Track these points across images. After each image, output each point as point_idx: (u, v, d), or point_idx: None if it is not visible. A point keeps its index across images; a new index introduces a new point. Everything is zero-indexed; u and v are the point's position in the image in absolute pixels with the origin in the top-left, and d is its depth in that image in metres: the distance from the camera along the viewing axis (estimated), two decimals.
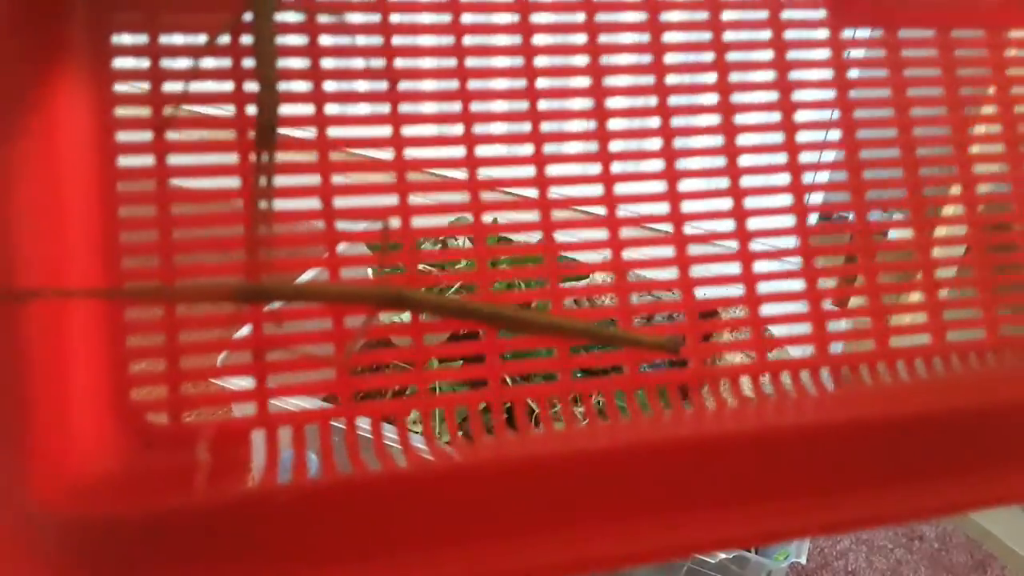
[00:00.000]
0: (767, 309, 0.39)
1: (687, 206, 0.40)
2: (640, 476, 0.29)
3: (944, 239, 0.43)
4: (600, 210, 0.39)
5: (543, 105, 0.40)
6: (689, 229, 0.40)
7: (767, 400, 0.37)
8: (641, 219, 0.40)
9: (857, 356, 0.39)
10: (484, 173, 0.39)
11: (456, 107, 0.39)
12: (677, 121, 0.40)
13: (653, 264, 0.41)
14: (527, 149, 0.39)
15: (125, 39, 0.36)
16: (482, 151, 0.38)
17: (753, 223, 0.40)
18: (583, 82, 0.40)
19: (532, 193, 0.39)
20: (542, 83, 0.40)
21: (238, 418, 0.34)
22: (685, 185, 0.40)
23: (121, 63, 0.36)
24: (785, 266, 0.40)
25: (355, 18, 0.38)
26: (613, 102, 0.40)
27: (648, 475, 0.29)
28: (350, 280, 0.36)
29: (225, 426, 0.34)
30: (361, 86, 0.40)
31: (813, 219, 0.41)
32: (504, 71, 0.40)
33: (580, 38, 0.40)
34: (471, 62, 0.39)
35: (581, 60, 0.41)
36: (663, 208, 0.40)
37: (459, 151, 0.39)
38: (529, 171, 0.39)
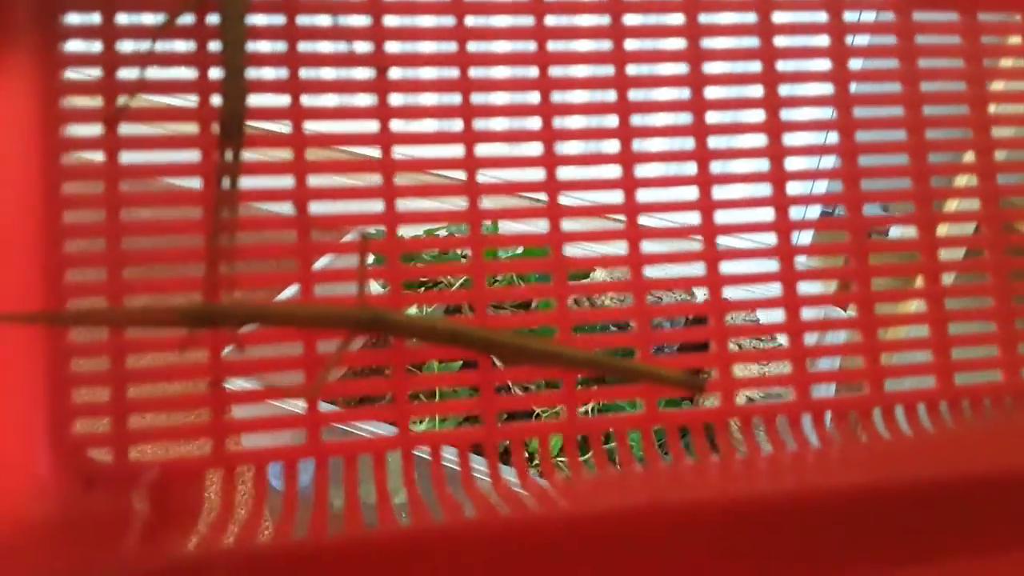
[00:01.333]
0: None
1: (721, 217, 0.34)
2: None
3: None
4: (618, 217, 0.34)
5: (555, 98, 0.34)
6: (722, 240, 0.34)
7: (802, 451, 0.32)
8: (665, 231, 0.34)
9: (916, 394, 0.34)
10: (482, 174, 0.34)
11: (455, 99, 0.34)
12: (713, 117, 0.35)
13: (679, 284, 0.35)
14: (534, 148, 0.34)
15: (75, 19, 0.32)
16: (483, 150, 0.33)
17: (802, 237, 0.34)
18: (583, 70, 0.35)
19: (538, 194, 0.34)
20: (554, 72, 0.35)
21: (190, 457, 0.30)
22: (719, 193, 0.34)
23: (71, 46, 0.32)
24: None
25: None
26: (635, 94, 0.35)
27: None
28: (321, 300, 0.32)
29: (174, 466, 0.30)
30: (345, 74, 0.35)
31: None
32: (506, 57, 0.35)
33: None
34: (473, 46, 0.34)
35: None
36: (692, 218, 0.34)
37: (457, 150, 0.34)
38: (538, 173, 0.34)
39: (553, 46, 0.34)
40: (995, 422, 0.34)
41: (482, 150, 0.34)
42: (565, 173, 0.34)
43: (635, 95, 0.35)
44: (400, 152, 0.33)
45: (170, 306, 0.28)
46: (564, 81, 0.35)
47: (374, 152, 0.33)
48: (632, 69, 0.35)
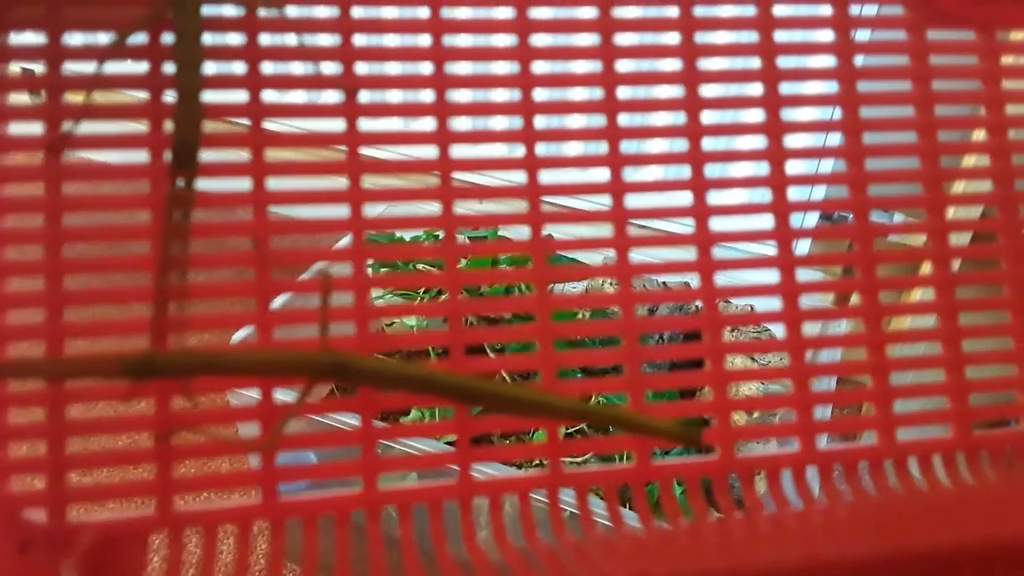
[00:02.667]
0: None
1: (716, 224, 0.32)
2: None
3: None
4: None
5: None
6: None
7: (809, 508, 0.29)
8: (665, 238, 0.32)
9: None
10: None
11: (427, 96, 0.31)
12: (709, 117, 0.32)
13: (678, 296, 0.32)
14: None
15: (19, 38, 0.29)
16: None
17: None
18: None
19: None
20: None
21: (131, 518, 0.27)
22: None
23: (13, 67, 0.29)
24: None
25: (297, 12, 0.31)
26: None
27: None
28: (281, 344, 0.29)
29: (115, 527, 0.27)
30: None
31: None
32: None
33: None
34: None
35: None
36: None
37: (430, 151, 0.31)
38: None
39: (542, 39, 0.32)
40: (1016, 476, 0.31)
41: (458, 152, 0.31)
42: (549, 177, 0.32)
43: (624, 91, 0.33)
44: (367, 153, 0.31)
45: (111, 356, 0.26)
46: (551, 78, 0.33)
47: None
48: (624, 64, 0.32)
